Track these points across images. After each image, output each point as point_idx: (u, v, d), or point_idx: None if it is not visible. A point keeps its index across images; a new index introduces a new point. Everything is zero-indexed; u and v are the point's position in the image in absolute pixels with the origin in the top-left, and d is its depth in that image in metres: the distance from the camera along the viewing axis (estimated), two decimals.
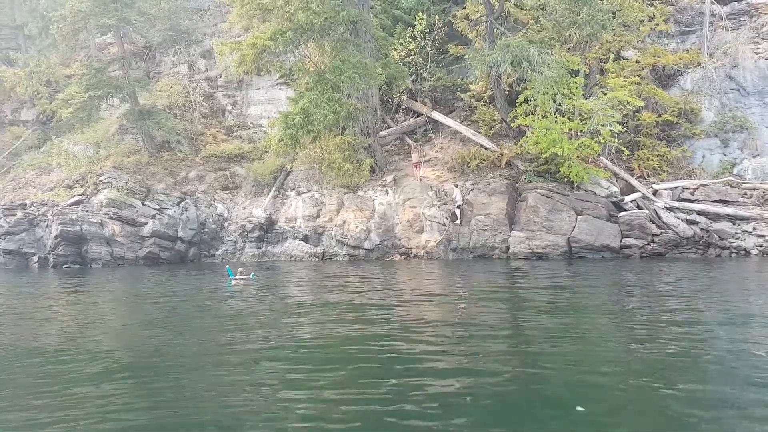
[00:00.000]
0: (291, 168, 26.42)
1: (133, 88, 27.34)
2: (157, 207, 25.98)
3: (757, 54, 23.76)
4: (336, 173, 24.57)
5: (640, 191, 22.40)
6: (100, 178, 26.52)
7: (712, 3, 24.92)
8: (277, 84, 29.14)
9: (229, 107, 30.68)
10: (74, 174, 27.39)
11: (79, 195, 26.42)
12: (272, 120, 24.10)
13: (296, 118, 21.33)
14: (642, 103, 22.43)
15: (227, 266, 19.89)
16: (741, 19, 24.97)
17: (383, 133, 26.60)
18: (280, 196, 26.51)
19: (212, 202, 26.82)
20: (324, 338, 10.09)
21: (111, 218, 25.29)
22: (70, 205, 25.87)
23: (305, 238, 24.95)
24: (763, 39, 24.04)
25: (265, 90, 29.86)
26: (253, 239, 25.65)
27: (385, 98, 27.37)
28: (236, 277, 17.64)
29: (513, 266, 19.72)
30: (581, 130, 21.59)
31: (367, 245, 23.75)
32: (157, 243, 25.29)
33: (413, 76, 26.34)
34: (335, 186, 25.04)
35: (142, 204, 25.95)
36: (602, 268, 18.89)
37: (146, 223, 25.43)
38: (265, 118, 28.98)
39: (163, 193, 26.48)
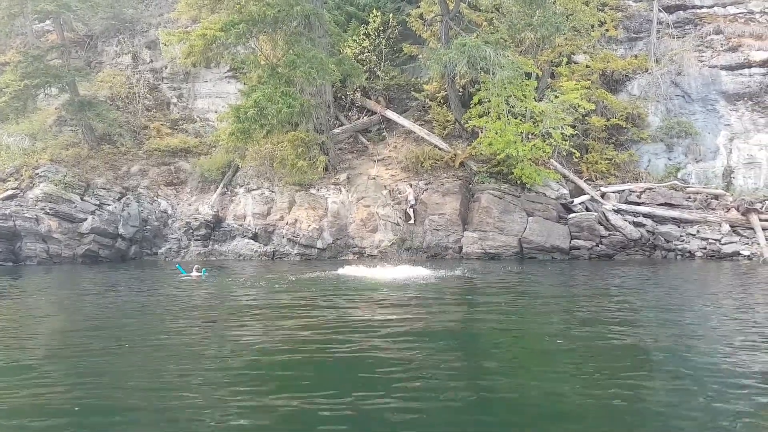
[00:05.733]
0: (240, 164, 25.66)
1: (72, 77, 26.00)
2: (97, 202, 24.76)
3: (701, 62, 24.53)
4: (289, 170, 24.02)
5: (588, 194, 22.77)
6: (36, 172, 25.02)
7: (660, 11, 25.61)
8: (226, 77, 28.34)
9: (175, 100, 29.55)
10: (8, 167, 25.77)
11: (13, 189, 24.84)
12: (222, 113, 23.34)
13: (249, 111, 20.70)
14: (593, 107, 22.80)
15: (177, 264, 19.70)
16: (686, 27, 25.73)
17: (336, 130, 26.19)
18: (228, 192, 25.73)
19: (155, 198, 25.78)
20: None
21: (47, 214, 23.94)
22: (3, 200, 24.31)
23: (255, 237, 24.31)
24: (707, 47, 24.84)
25: (213, 83, 28.90)
26: (198, 237, 24.77)
27: (339, 95, 26.97)
28: (189, 274, 17.80)
29: (468, 267, 19.66)
30: (533, 133, 21.76)
31: (319, 244, 23.33)
32: (96, 240, 24.10)
33: (367, 74, 25.96)
34: (287, 183, 24.49)
35: (81, 199, 24.67)
36: (554, 269, 19.04)
37: (85, 220, 24.19)
38: (212, 112, 28.05)
39: (104, 188, 25.27)
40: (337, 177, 24.45)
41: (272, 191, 25.01)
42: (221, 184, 25.73)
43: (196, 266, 18.64)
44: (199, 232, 24.69)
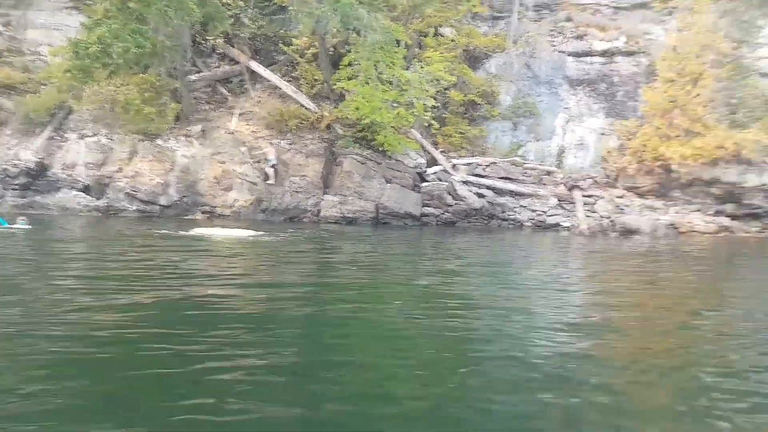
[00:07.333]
0: (74, 106, 22.63)
1: None
2: None
3: (552, 46, 26.16)
4: (133, 117, 21.63)
5: (442, 165, 23.65)
6: None
7: None
8: (66, 7, 24.58)
9: (1, 28, 25.12)
10: None
11: None
12: (57, 48, 20.34)
13: (91, 47, 18.30)
14: (455, 80, 23.39)
15: None
16: (543, 12, 27.25)
17: (193, 77, 23.91)
18: (58, 138, 22.61)
19: None
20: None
21: None
22: None
23: (86, 189, 21.64)
24: (559, 33, 26.54)
25: (50, 12, 24.86)
26: (16, 186, 21.60)
27: (198, 40, 24.60)
28: (10, 226, 15.37)
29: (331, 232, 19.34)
30: (398, 101, 21.84)
31: (163, 201, 21.46)
32: None
33: (232, 19, 23.81)
34: (129, 132, 22.05)
35: None
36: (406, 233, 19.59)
37: None
38: (46, 45, 24.21)
39: None
40: (189, 128, 22.55)
41: (111, 139, 22.38)
42: (49, 128, 22.53)
43: (20, 218, 16.02)
44: (18, 181, 21.53)
